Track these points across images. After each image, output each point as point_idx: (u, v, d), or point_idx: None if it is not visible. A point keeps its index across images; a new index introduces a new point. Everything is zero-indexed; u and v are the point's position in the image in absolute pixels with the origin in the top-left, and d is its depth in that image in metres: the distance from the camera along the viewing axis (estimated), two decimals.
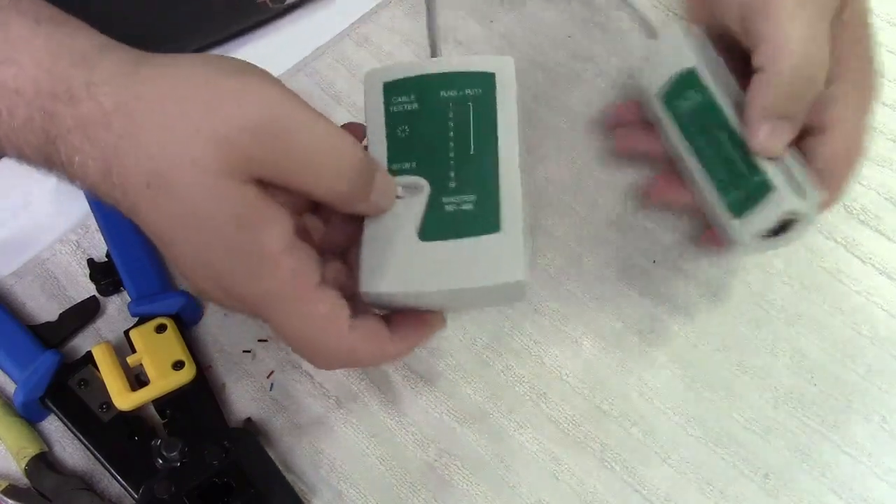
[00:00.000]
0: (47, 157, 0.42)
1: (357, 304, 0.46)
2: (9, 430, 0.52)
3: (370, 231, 0.48)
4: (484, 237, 0.46)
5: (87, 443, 0.52)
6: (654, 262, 0.58)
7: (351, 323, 0.45)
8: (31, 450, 0.52)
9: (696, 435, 0.52)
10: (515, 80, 0.49)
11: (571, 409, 0.53)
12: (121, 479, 0.51)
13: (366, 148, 0.49)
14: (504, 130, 0.48)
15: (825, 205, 0.51)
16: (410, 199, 0.48)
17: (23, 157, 0.43)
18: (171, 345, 0.54)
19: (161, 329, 0.54)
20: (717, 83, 0.51)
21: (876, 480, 0.51)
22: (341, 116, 0.64)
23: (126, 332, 0.54)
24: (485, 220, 0.47)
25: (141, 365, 0.53)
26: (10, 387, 0.54)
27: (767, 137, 0.48)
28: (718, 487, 0.51)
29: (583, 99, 0.64)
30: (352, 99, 0.64)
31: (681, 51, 0.53)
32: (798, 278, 0.57)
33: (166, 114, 0.41)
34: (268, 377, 0.55)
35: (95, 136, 0.41)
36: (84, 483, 0.51)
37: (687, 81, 0.53)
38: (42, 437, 0.53)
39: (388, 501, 0.51)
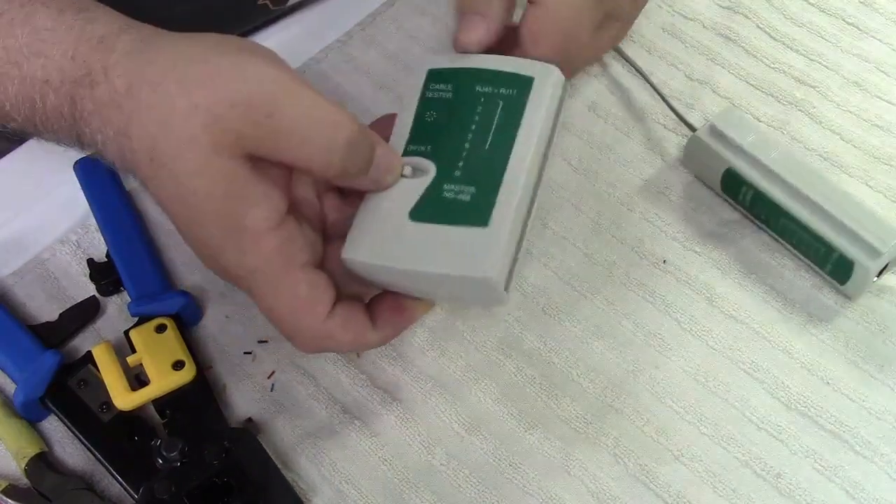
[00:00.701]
0: (79, 139, 0.45)
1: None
2: (9, 430, 0.52)
3: (368, 203, 0.48)
4: (470, 228, 0.46)
5: (87, 443, 0.51)
6: (665, 261, 0.57)
7: (332, 308, 0.45)
8: (31, 450, 0.51)
9: (709, 434, 0.52)
10: (558, 91, 0.50)
11: (583, 409, 0.53)
12: (121, 479, 0.50)
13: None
14: (524, 134, 0.48)
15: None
16: (414, 180, 0.48)
17: (60, 140, 0.46)
18: (171, 345, 0.53)
19: (161, 329, 0.53)
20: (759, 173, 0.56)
21: (889, 481, 0.50)
22: None
23: (126, 332, 0.54)
24: (476, 212, 0.46)
25: (141, 365, 0.53)
26: (10, 387, 0.53)
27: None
28: (731, 486, 0.50)
29: (590, 96, 0.64)
30: (358, 99, 0.64)
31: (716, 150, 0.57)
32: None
33: (166, 93, 0.42)
34: (268, 377, 0.54)
35: (109, 118, 0.43)
36: (84, 483, 0.51)
37: (733, 178, 0.57)
38: (42, 437, 0.52)
39: (389, 502, 0.51)
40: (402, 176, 0.48)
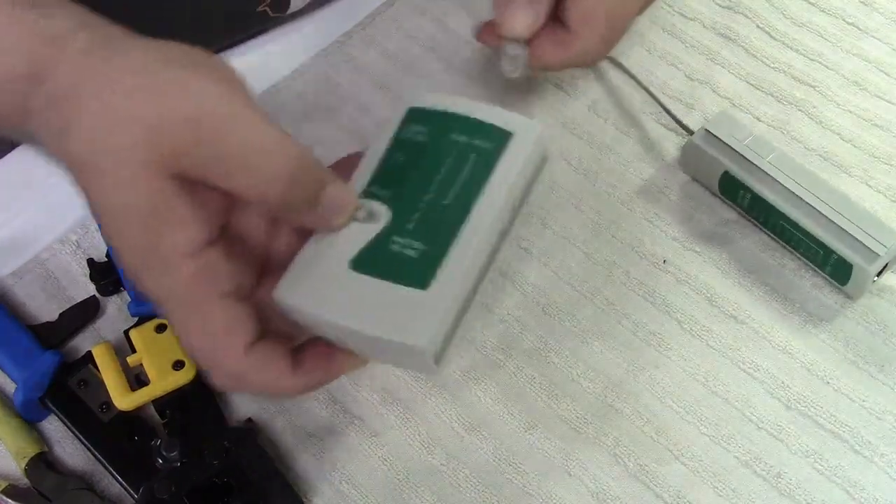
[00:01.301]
0: (31, 136, 0.43)
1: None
2: (9, 430, 0.52)
3: (311, 243, 0.45)
4: (409, 289, 0.43)
5: (87, 443, 0.51)
6: (665, 261, 0.57)
7: (250, 345, 0.42)
8: (31, 450, 0.51)
9: (709, 434, 0.52)
10: (538, 149, 0.47)
11: (583, 409, 0.53)
12: (121, 479, 0.50)
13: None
14: (491, 192, 0.45)
15: (590, 56, 0.57)
16: (365, 225, 0.45)
17: (14, 135, 0.45)
18: (171, 345, 0.53)
19: (161, 329, 0.53)
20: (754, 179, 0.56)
21: (889, 481, 0.50)
22: (346, 117, 0.63)
23: (126, 332, 0.54)
24: (419, 272, 0.43)
25: (141, 365, 0.53)
26: (10, 387, 0.53)
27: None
28: (731, 486, 0.50)
29: (590, 97, 0.64)
30: (357, 99, 0.64)
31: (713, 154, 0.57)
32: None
33: (108, 100, 0.40)
34: None
35: (52, 117, 0.41)
36: (84, 483, 0.51)
37: (730, 182, 0.57)
38: (42, 437, 0.52)
39: (389, 502, 0.51)
40: (354, 219, 0.45)
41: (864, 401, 0.52)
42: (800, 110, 0.63)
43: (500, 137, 0.46)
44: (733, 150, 0.56)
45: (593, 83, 0.64)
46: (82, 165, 0.41)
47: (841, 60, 0.65)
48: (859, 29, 0.66)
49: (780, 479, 0.50)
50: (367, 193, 0.46)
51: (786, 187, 0.55)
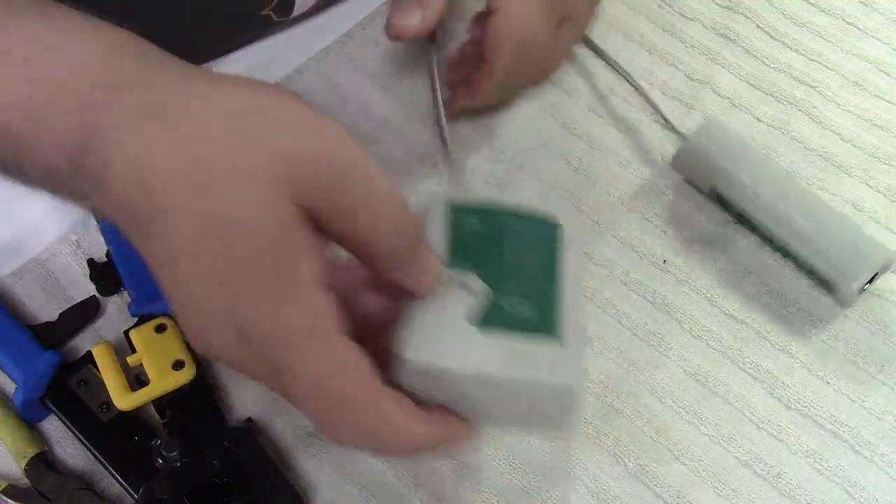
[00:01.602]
0: (71, 159, 0.37)
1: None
2: (9, 430, 0.52)
3: (423, 308, 0.44)
4: (542, 338, 0.45)
5: (87, 443, 0.51)
6: (665, 261, 0.57)
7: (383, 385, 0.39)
8: (31, 450, 0.51)
9: (709, 434, 0.52)
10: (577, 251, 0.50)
11: (583, 408, 0.53)
12: (121, 479, 0.50)
13: None
14: (561, 256, 0.48)
15: (484, 88, 0.57)
16: (466, 290, 0.46)
17: (32, 166, 0.39)
18: (171, 345, 0.53)
19: (161, 329, 0.53)
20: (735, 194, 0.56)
21: (889, 481, 0.50)
22: (348, 117, 0.63)
23: (126, 332, 0.54)
24: (544, 323, 0.45)
25: (141, 365, 0.53)
26: (10, 387, 0.53)
27: None
28: (731, 486, 0.50)
29: (591, 97, 0.64)
30: (358, 99, 0.64)
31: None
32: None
33: (221, 119, 0.37)
34: None
35: (139, 129, 0.36)
36: (84, 483, 0.51)
37: (718, 195, 0.58)
38: (42, 437, 0.52)
39: (389, 502, 0.51)
40: (450, 285, 0.45)
41: (863, 401, 0.52)
42: (800, 110, 0.63)
43: (552, 229, 0.49)
44: (718, 166, 0.56)
45: (593, 83, 0.64)
46: (184, 177, 0.36)
47: (841, 60, 0.65)
48: (859, 29, 0.66)
49: (780, 480, 0.50)
50: (456, 265, 0.46)
51: (769, 206, 0.55)
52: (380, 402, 0.39)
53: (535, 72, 0.56)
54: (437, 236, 0.48)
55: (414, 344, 0.43)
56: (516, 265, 0.47)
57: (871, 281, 0.54)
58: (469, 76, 0.59)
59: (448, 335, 0.43)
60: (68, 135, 0.37)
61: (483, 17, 0.56)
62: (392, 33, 0.55)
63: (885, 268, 0.54)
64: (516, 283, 0.47)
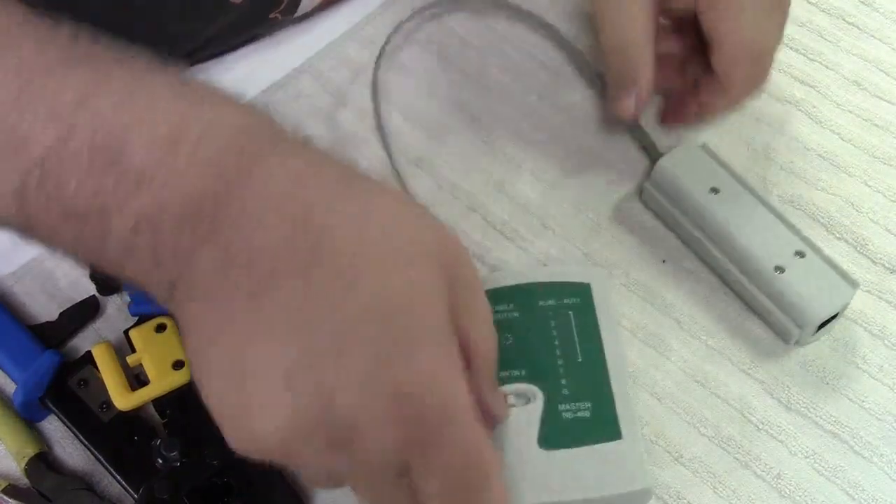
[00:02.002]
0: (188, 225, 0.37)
1: None
2: (9, 430, 0.52)
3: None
4: (605, 444, 0.48)
5: (87, 443, 0.51)
6: (664, 261, 0.57)
7: None
8: (31, 450, 0.51)
9: (709, 435, 0.52)
10: (610, 288, 0.53)
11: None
12: (121, 479, 0.50)
13: None
14: (607, 338, 0.51)
15: (729, 106, 0.59)
16: (525, 408, 0.49)
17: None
18: (171, 345, 0.53)
19: (161, 329, 0.53)
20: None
21: (889, 482, 0.50)
22: (346, 118, 0.63)
23: (126, 332, 0.54)
24: (604, 427, 0.48)
25: (141, 365, 0.53)
26: (10, 387, 0.53)
27: None
28: (731, 487, 0.50)
29: (591, 95, 0.63)
30: (356, 102, 0.64)
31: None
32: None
33: (391, 205, 0.39)
34: None
35: (273, 190, 0.37)
36: (84, 483, 0.51)
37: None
38: (42, 437, 0.52)
39: None
40: (510, 406, 0.48)
41: (863, 401, 0.52)
42: (800, 110, 0.63)
43: (581, 290, 0.52)
44: (672, 213, 0.57)
45: (593, 83, 0.64)
46: (344, 258, 0.36)
47: (841, 60, 0.65)
48: (859, 29, 0.66)
49: (779, 480, 0.50)
50: (505, 381, 0.49)
51: (714, 261, 0.55)
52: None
53: (764, 79, 0.57)
54: None
55: None
56: (563, 351, 0.51)
57: (826, 323, 0.53)
58: (687, 94, 0.59)
59: (517, 471, 0.47)
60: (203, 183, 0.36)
61: (710, 44, 0.55)
62: (618, 117, 0.58)
63: (836, 313, 0.53)
64: (568, 380, 0.50)
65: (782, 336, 0.54)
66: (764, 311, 0.54)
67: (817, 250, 0.53)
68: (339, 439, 0.36)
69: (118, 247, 0.37)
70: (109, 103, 0.37)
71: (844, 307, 0.53)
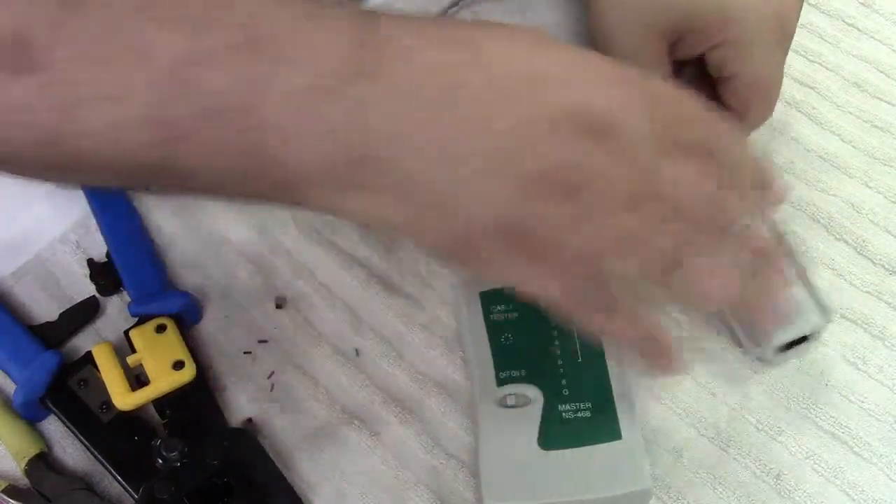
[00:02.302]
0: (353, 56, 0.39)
1: None
2: (9, 430, 0.52)
3: (488, 441, 0.49)
4: (605, 444, 0.48)
5: (87, 443, 0.51)
6: None
7: None
8: (31, 450, 0.51)
9: (709, 435, 0.52)
10: None
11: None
12: (121, 479, 0.50)
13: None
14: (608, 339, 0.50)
15: (747, 130, 0.57)
16: (525, 408, 0.49)
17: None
18: (171, 345, 0.53)
19: (161, 329, 0.53)
20: None
21: (888, 482, 0.50)
22: None
23: (126, 332, 0.54)
24: (604, 427, 0.48)
25: (141, 365, 0.53)
26: (10, 387, 0.53)
27: None
28: (731, 487, 0.50)
29: None
30: None
31: None
32: None
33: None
34: (268, 377, 0.54)
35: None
36: (84, 483, 0.51)
37: None
38: (42, 437, 0.52)
39: (389, 502, 0.51)
40: (509, 406, 0.49)
41: (863, 402, 0.52)
42: (799, 111, 0.63)
43: None
44: None
45: None
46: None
47: (841, 61, 0.65)
48: (859, 30, 0.66)
49: (779, 481, 0.50)
50: (505, 381, 0.50)
51: None
52: None
53: (772, 109, 0.57)
54: (479, 344, 0.51)
55: (486, 488, 0.47)
56: (562, 351, 0.51)
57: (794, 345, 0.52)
58: None
59: (518, 474, 0.47)
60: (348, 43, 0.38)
61: (719, 78, 0.56)
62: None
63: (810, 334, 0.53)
64: (568, 380, 0.50)
65: (744, 349, 0.53)
66: (728, 323, 0.54)
67: (802, 274, 0.53)
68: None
69: (272, 130, 0.38)
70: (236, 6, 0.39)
71: (814, 333, 0.52)
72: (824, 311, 0.52)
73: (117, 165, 0.40)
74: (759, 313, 0.49)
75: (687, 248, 0.42)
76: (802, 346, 0.53)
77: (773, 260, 0.47)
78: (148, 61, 0.37)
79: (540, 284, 0.42)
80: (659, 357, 0.44)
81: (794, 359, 0.53)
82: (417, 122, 0.39)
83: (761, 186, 0.46)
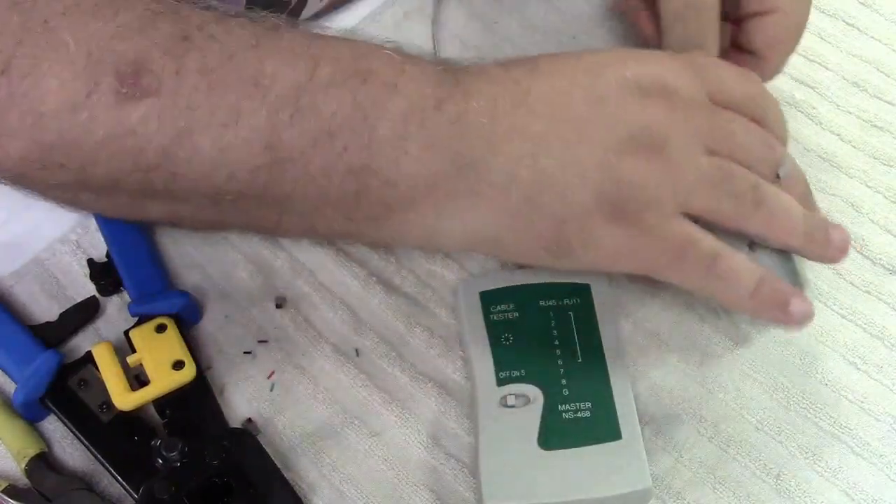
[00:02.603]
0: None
1: None
2: (9, 430, 0.52)
3: (488, 441, 0.49)
4: (605, 444, 0.48)
5: (87, 443, 0.51)
6: None
7: None
8: (31, 450, 0.51)
9: (708, 435, 0.52)
10: (612, 290, 0.54)
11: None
12: (121, 479, 0.50)
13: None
14: (607, 338, 0.52)
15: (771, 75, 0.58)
16: (525, 408, 0.49)
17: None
18: (171, 345, 0.53)
19: (161, 329, 0.53)
20: None
21: (888, 482, 0.50)
22: None
23: (126, 332, 0.54)
24: (604, 427, 0.49)
25: (141, 365, 0.53)
26: (10, 387, 0.53)
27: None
28: (731, 487, 0.50)
29: None
30: None
31: None
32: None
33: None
34: (268, 377, 0.54)
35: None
36: (84, 483, 0.50)
37: None
38: (42, 437, 0.52)
39: (389, 502, 0.51)
40: (509, 406, 0.49)
41: (863, 402, 0.52)
42: (799, 111, 0.63)
43: (580, 291, 0.53)
44: None
45: None
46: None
47: (841, 61, 0.65)
48: (859, 30, 0.66)
49: (779, 481, 0.50)
50: (504, 380, 0.50)
51: None
52: None
53: (793, 50, 0.58)
54: (479, 343, 0.52)
55: (486, 488, 0.47)
56: (563, 351, 0.51)
57: None
58: None
59: (518, 474, 0.47)
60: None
61: (749, 16, 0.56)
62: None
63: None
64: (568, 380, 0.50)
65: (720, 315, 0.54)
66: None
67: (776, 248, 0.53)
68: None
69: (383, 146, 0.43)
70: (337, 41, 0.45)
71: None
72: (798, 281, 0.53)
73: (220, 191, 0.42)
74: (819, 248, 0.51)
75: (765, 185, 0.48)
76: None
77: (809, 202, 0.53)
78: (264, 89, 0.42)
79: (645, 254, 0.46)
80: (778, 302, 0.48)
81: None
82: (507, 126, 0.44)
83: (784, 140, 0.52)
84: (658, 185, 0.45)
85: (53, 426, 0.53)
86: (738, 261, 0.48)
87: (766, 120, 0.51)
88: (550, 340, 0.51)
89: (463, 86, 0.45)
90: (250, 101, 0.41)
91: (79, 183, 0.44)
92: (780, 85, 0.63)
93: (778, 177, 0.50)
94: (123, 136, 0.41)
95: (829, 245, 0.51)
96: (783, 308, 0.48)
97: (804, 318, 0.49)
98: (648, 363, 0.54)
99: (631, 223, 0.45)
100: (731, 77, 0.50)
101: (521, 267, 0.54)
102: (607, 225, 0.45)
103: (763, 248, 0.52)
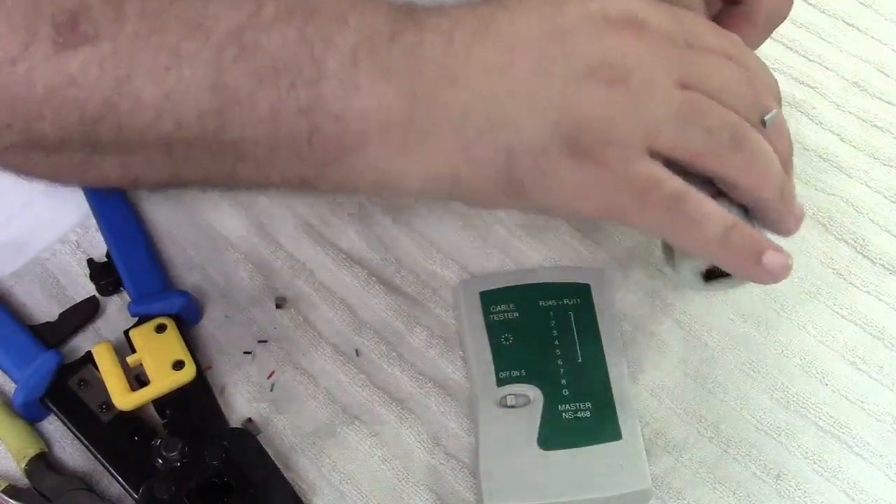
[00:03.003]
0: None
1: None
2: (9, 430, 0.52)
3: (488, 441, 0.49)
4: (605, 445, 0.48)
5: (87, 443, 0.51)
6: (664, 261, 0.57)
7: None
8: (31, 450, 0.51)
9: (708, 435, 0.52)
10: (611, 289, 0.54)
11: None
12: (121, 479, 0.50)
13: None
14: (607, 338, 0.52)
15: (755, 42, 0.54)
16: (525, 408, 0.49)
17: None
18: (171, 345, 0.53)
19: (161, 329, 0.53)
20: None
21: (888, 482, 0.50)
22: None
23: (126, 332, 0.54)
24: (604, 427, 0.48)
25: (141, 365, 0.53)
26: (10, 387, 0.53)
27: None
28: (731, 487, 0.50)
29: None
30: None
31: None
32: (808, 279, 0.56)
33: None
34: (268, 377, 0.54)
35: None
36: (84, 483, 0.50)
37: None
38: (42, 437, 0.52)
39: (389, 502, 0.51)
40: (509, 406, 0.49)
41: (862, 402, 0.52)
42: (800, 111, 0.63)
43: (580, 291, 0.53)
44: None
45: None
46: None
47: (841, 61, 0.65)
48: (859, 30, 0.66)
49: (779, 481, 0.50)
50: (505, 381, 0.50)
51: None
52: None
53: (787, 9, 0.55)
54: (479, 343, 0.52)
55: (487, 488, 0.47)
56: (563, 351, 0.51)
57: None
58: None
59: (518, 474, 0.47)
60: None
61: None
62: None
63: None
64: (568, 380, 0.50)
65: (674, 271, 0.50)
66: None
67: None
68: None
69: (331, 82, 0.40)
70: None
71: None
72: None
73: (169, 139, 0.41)
74: (786, 212, 0.48)
75: (747, 126, 0.44)
76: (726, 280, 0.48)
77: (790, 165, 0.48)
78: (207, 30, 0.40)
79: (605, 194, 0.43)
80: (751, 251, 0.44)
81: (716, 291, 0.53)
82: (463, 57, 0.42)
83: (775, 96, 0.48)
84: (620, 119, 0.42)
85: (53, 426, 0.53)
86: (707, 203, 0.43)
87: (750, 67, 0.46)
88: (550, 340, 0.51)
89: (419, 20, 0.42)
90: (192, 42, 0.40)
91: (28, 143, 0.42)
92: (780, 84, 0.63)
93: (763, 124, 0.45)
94: (65, 86, 0.39)
95: (793, 212, 0.47)
96: (756, 258, 0.44)
97: (781, 272, 0.45)
98: (648, 363, 0.54)
99: (590, 159, 0.42)
100: (710, 31, 0.46)
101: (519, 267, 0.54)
102: (564, 161, 0.42)
103: (727, 203, 0.46)
